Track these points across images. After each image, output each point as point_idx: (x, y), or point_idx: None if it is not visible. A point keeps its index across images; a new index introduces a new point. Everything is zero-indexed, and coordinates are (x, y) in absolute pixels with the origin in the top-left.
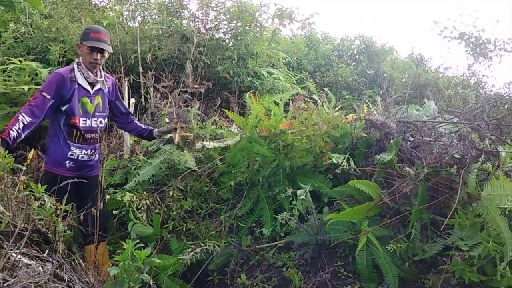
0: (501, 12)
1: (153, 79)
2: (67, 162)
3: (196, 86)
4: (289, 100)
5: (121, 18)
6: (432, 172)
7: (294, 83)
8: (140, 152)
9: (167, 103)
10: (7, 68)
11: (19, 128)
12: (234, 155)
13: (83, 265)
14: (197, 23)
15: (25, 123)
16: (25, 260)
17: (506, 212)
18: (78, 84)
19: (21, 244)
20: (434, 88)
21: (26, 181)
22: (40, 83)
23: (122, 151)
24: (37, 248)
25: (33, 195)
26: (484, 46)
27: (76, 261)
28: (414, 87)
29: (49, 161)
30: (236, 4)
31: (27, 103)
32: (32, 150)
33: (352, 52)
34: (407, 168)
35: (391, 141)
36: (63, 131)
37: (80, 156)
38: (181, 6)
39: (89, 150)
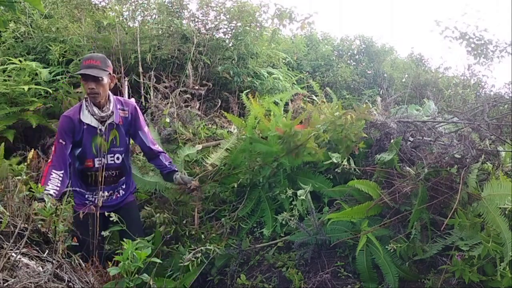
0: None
1: (155, 79)
2: (87, 202)
3: (196, 87)
4: (289, 100)
5: (121, 18)
6: (432, 172)
7: (294, 83)
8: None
9: (167, 103)
10: (7, 68)
11: (57, 185)
12: (235, 157)
13: (83, 265)
14: (197, 23)
15: (59, 178)
16: (25, 260)
17: (506, 212)
18: (86, 124)
19: (21, 244)
20: (434, 88)
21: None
22: (40, 83)
23: None
24: (37, 248)
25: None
26: (486, 46)
27: (76, 261)
28: (414, 87)
29: (75, 200)
30: (236, 4)
31: (51, 159)
32: (32, 150)
33: (352, 52)
34: (407, 168)
35: (391, 141)
36: (77, 176)
37: (97, 199)
38: (181, 6)
39: (106, 192)
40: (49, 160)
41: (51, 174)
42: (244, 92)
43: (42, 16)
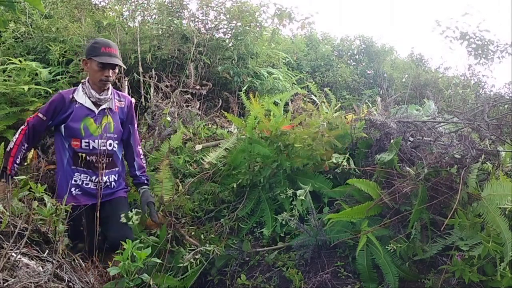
0: (504, 12)
1: (156, 78)
2: (73, 189)
3: (197, 87)
4: (288, 100)
5: (121, 18)
6: (432, 172)
7: (294, 83)
8: None
9: (167, 103)
10: (7, 68)
11: (21, 158)
12: (235, 157)
13: (83, 265)
14: (197, 23)
15: (24, 149)
16: (25, 260)
17: (506, 212)
18: (79, 103)
19: (21, 244)
20: (434, 88)
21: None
22: (40, 83)
23: None
24: (37, 248)
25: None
26: (486, 47)
27: (76, 261)
28: (414, 87)
29: (57, 192)
30: (236, 4)
31: (27, 122)
32: (32, 150)
33: (352, 52)
34: (407, 168)
35: (391, 141)
36: (67, 155)
37: (85, 182)
38: (181, 6)
39: (94, 177)
40: (25, 126)
41: (22, 145)
42: (244, 88)
43: (42, 16)
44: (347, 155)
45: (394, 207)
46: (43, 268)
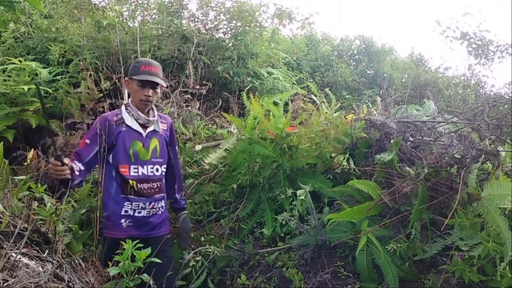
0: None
1: None
2: (123, 220)
3: (197, 87)
4: (288, 100)
5: (121, 18)
6: (432, 172)
7: (294, 83)
8: None
9: (167, 103)
10: (7, 68)
11: (78, 169)
12: (235, 158)
13: (83, 265)
14: (197, 23)
15: (81, 167)
16: (25, 260)
17: (506, 212)
18: (127, 125)
19: (21, 244)
20: (434, 88)
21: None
22: (40, 83)
23: None
24: (37, 248)
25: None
26: (487, 47)
27: (76, 261)
28: (414, 87)
29: (104, 223)
30: (235, 4)
31: (75, 151)
32: (32, 150)
33: (352, 52)
34: (407, 168)
35: (391, 141)
36: (114, 184)
37: (137, 211)
38: (181, 6)
39: (148, 203)
40: (72, 156)
41: (75, 160)
42: (246, 89)
43: (42, 16)
44: (347, 155)
45: (394, 207)
46: (43, 268)
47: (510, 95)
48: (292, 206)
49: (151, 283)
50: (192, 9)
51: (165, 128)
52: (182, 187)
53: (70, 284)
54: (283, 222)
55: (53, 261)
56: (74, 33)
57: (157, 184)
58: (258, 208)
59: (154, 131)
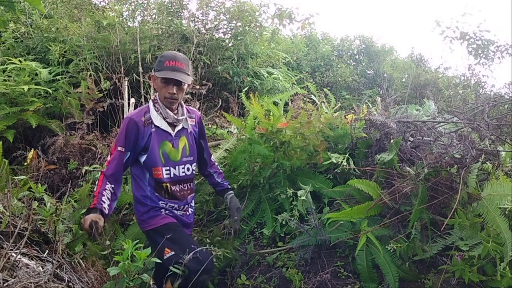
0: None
1: None
2: (162, 211)
3: (197, 87)
4: (289, 100)
5: (121, 18)
6: (432, 172)
7: (294, 83)
8: None
9: None
10: (7, 68)
11: (107, 198)
12: (235, 158)
13: (83, 265)
14: (197, 23)
15: (111, 192)
16: (25, 260)
17: (506, 212)
18: (156, 126)
19: (21, 244)
20: (434, 88)
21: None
22: (40, 83)
23: None
24: (37, 248)
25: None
26: (486, 47)
27: (76, 261)
28: (414, 87)
29: (142, 219)
30: (235, 4)
31: (106, 167)
32: (32, 150)
33: (352, 52)
34: (407, 168)
35: (391, 141)
36: (148, 186)
37: (172, 209)
38: (181, 6)
39: (182, 206)
40: (104, 169)
41: (106, 184)
42: (244, 89)
43: (42, 16)
44: (347, 155)
45: (394, 207)
46: (43, 268)
47: (510, 95)
48: (292, 206)
49: (151, 283)
50: (192, 9)
51: (194, 123)
52: (221, 171)
53: (70, 284)
54: (283, 222)
55: (53, 261)
56: (74, 33)
57: (188, 185)
58: (259, 208)
59: (182, 129)
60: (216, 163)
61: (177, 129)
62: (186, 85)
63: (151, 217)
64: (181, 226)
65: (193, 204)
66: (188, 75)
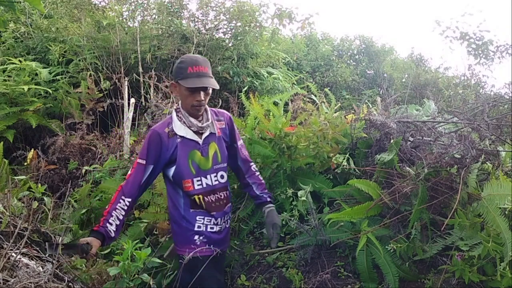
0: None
1: (156, 78)
2: (196, 237)
3: None
4: (289, 100)
5: (121, 18)
6: (432, 172)
7: (294, 83)
8: None
9: (167, 103)
10: (7, 68)
11: (117, 218)
12: None
13: (83, 265)
14: (197, 23)
15: (126, 208)
16: (25, 260)
17: (506, 212)
18: (181, 137)
19: (21, 244)
20: (434, 88)
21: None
22: (40, 83)
23: (122, 151)
24: (37, 248)
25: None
26: (486, 47)
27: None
28: (414, 87)
29: (176, 240)
30: (235, 4)
31: (125, 180)
32: (32, 150)
33: (352, 52)
34: (407, 168)
35: (391, 141)
36: (182, 200)
37: (209, 227)
38: (181, 6)
39: (219, 219)
40: (123, 182)
41: (119, 202)
42: (244, 89)
43: (42, 16)
44: (347, 155)
45: (394, 207)
46: (43, 268)
47: (510, 95)
48: (292, 206)
49: (151, 283)
50: (192, 9)
51: (223, 126)
52: (262, 182)
53: (70, 284)
54: (283, 222)
55: (53, 261)
56: (74, 33)
57: (224, 194)
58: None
59: (210, 134)
60: (258, 173)
61: (204, 135)
62: (211, 89)
63: (184, 241)
64: (213, 266)
65: (230, 215)
66: (212, 77)
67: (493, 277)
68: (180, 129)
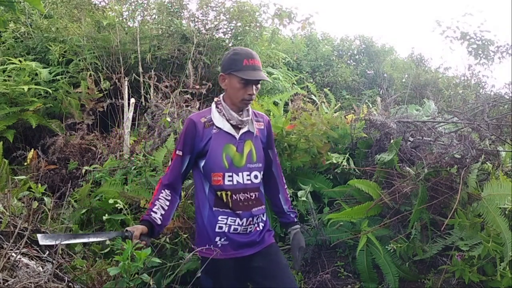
0: (504, 13)
1: (156, 78)
2: (217, 239)
3: (197, 87)
4: (289, 100)
5: (121, 18)
6: (432, 172)
7: (294, 83)
8: (140, 152)
9: (167, 103)
10: (7, 68)
11: (161, 207)
12: None
13: (83, 265)
14: (197, 23)
15: (169, 197)
16: (25, 260)
17: (506, 212)
18: (217, 128)
19: (21, 244)
20: (434, 88)
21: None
22: (40, 83)
23: (122, 151)
24: (37, 248)
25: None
26: (487, 47)
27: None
28: (414, 87)
29: (196, 237)
30: (235, 4)
31: (165, 173)
32: (32, 150)
33: (352, 52)
34: (407, 168)
35: (391, 141)
36: (207, 195)
37: (232, 227)
38: (181, 6)
39: (244, 219)
40: (164, 175)
41: (161, 193)
42: None
43: (42, 16)
44: (347, 155)
45: (394, 207)
46: (43, 268)
47: (510, 95)
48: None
49: (151, 283)
50: (192, 9)
51: (262, 127)
52: (289, 198)
53: (70, 284)
54: None
55: (53, 261)
56: (74, 33)
57: (255, 195)
58: None
59: (248, 132)
60: (286, 186)
61: (241, 131)
62: (260, 84)
63: (204, 241)
64: (233, 273)
65: (264, 219)
66: (264, 71)
67: (493, 277)
68: (218, 121)
